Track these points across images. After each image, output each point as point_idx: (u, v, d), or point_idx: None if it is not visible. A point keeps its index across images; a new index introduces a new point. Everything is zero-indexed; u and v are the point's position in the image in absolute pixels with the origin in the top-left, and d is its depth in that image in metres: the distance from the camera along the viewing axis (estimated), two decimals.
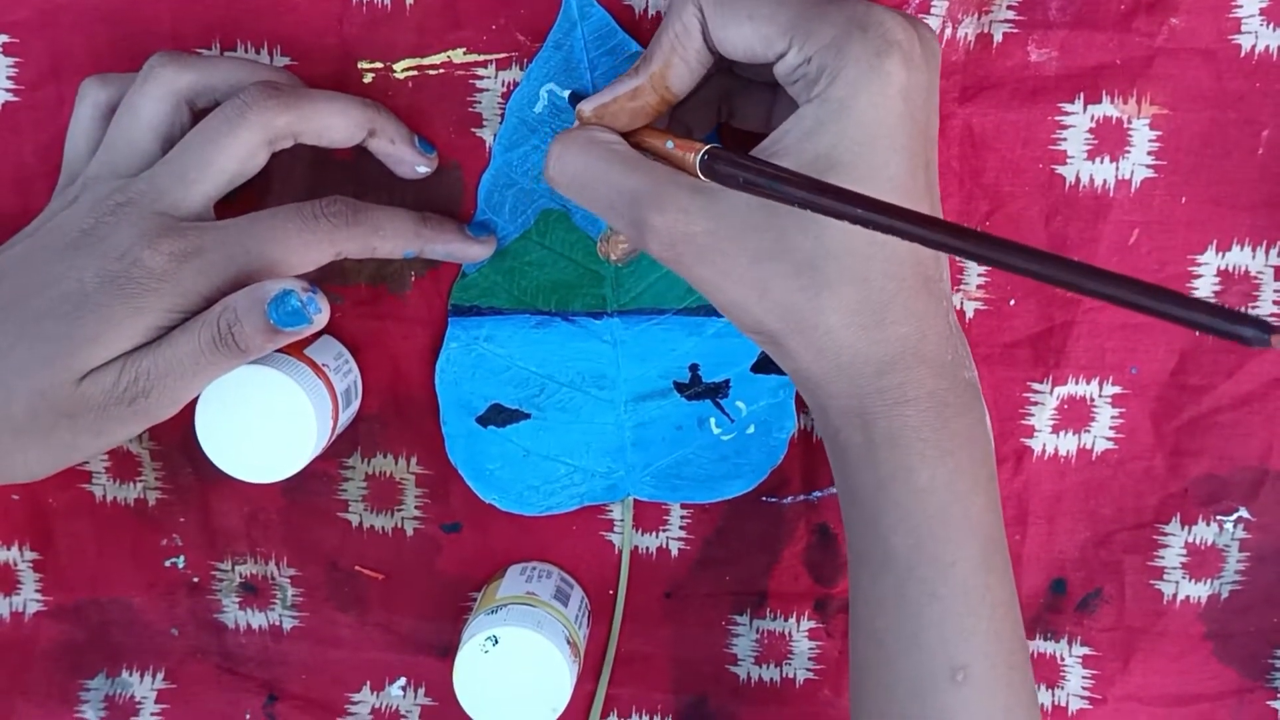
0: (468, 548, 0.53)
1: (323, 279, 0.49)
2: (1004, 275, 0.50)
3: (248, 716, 0.56)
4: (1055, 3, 0.47)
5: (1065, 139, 0.48)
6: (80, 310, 0.42)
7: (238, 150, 0.44)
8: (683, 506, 0.53)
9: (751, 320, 0.41)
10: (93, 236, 0.43)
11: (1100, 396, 0.50)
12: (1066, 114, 0.48)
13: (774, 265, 0.40)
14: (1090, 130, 0.48)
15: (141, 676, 0.55)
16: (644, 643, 0.54)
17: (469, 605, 0.54)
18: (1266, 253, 0.49)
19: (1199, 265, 0.49)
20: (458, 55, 0.48)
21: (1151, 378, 0.50)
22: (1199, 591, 0.52)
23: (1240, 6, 0.47)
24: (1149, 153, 0.48)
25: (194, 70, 0.45)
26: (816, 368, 0.41)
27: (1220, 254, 0.49)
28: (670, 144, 0.43)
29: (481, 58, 0.48)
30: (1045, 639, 0.53)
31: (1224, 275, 0.49)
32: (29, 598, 0.55)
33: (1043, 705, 0.54)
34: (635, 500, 0.52)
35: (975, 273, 0.50)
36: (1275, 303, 0.50)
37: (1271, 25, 0.47)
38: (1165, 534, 0.52)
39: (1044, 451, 0.51)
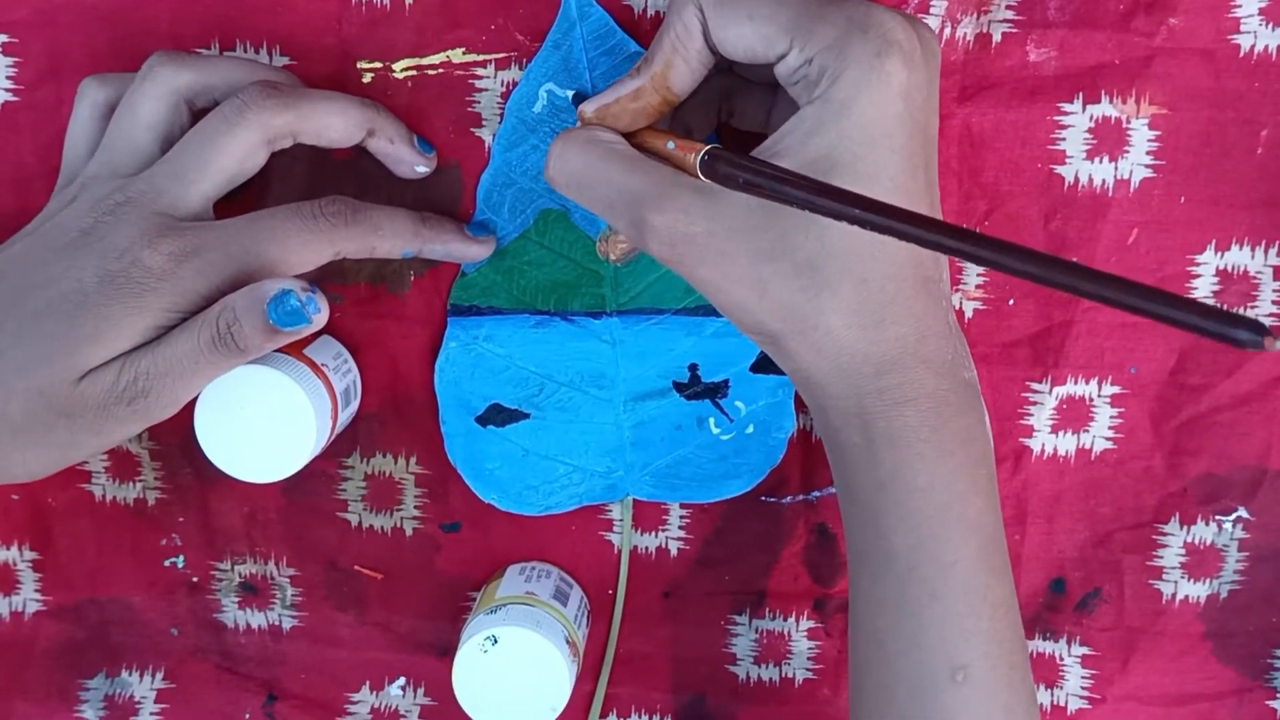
0: (467, 547, 0.53)
1: (322, 278, 0.50)
2: (1003, 275, 0.50)
3: (247, 716, 0.56)
4: (1054, 2, 0.47)
5: (1064, 139, 0.48)
6: (79, 310, 0.42)
7: (236, 150, 0.44)
8: (682, 506, 0.53)
9: (751, 321, 0.41)
10: (92, 236, 0.43)
11: (1099, 396, 0.51)
12: (1065, 114, 0.48)
13: (774, 266, 0.40)
14: (1089, 130, 0.48)
15: (141, 676, 0.55)
16: (643, 642, 0.54)
17: (468, 605, 0.54)
18: (1265, 252, 0.49)
19: (1198, 265, 0.49)
20: (457, 55, 0.48)
21: (1150, 377, 0.50)
22: (1198, 591, 0.52)
23: (1239, 6, 0.47)
24: (1148, 152, 0.48)
25: (193, 70, 0.45)
26: (816, 368, 0.41)
27: (1219, 254, 0.49)
28: (671, 144, 0.43)
29: (480, 57, 0.48)
30: (1044, 639, 0.53)
31: (1223, 275, 0.49)
32: (28, 597, 0.55)
33: (1042, 705, 0.54)
34: (634, 500, 0.53)
35: (974, 272, 0.50)
36: (1274, 303, 0.50)
37: (1270, 25, 0.47)
38: (1164, 534, 0.52)
39: (1043, 451, 0.51)
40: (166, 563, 0.54)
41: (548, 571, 0.52)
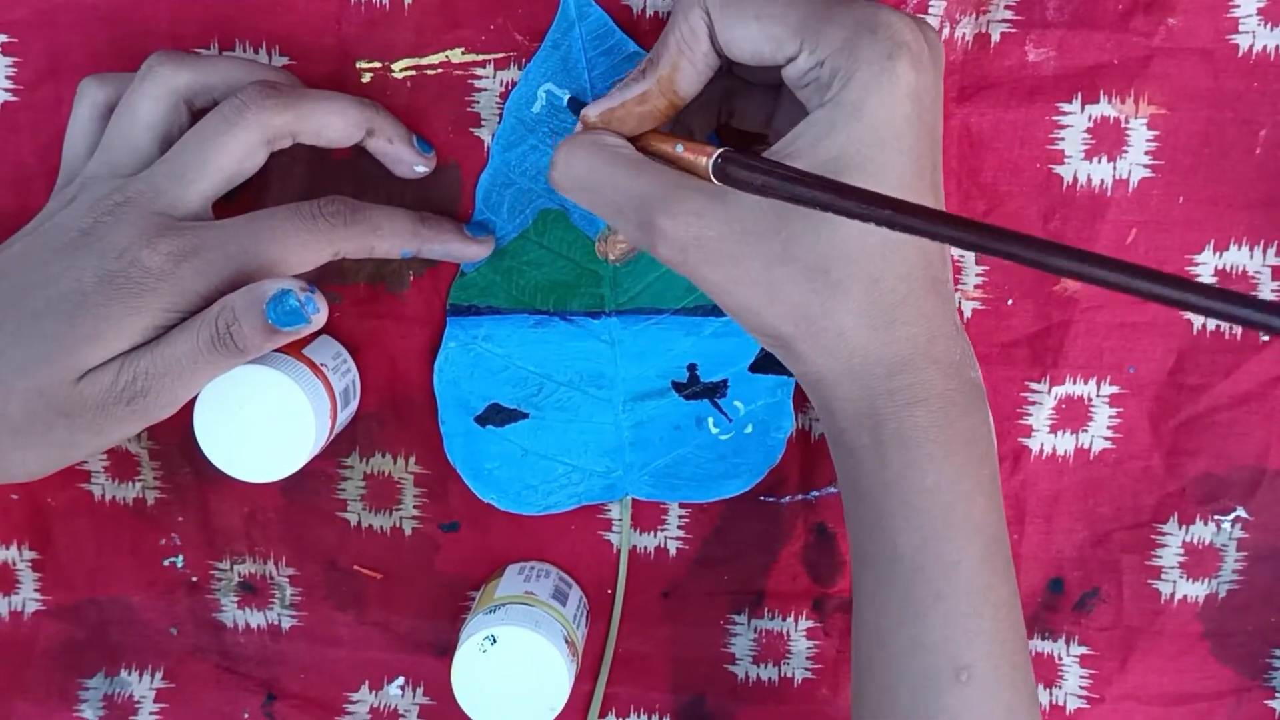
0: (466, 547, 0.53)
1: (321, 278, 0.50)
2: (1002, 275, 0.50)
3: (246, 715, 0.56)
4: (1053, 2, 0.47)
5: (1063, 138, 0.48)
6: (79, 309, 0.42)
7: (236, 150, 0.44)
8: (681, 506, 0.53)
9: (761, 323, 0.41)
10: (91, 236, 0.43)
11: (1098, 396, 0.51)
12: (1064, 114, 0.48)
13: (785, 269, 0.40)
14: (1088, 130, 0.48)
15: (140, 675, 0.56)
16: (642, 642, 0.54)
17: (467, 604, 0.54)
18: (1264, 252, 0.49)
19: (1196, 265, 0.49)
20: (456, 55, 0.48)
21: (1149, 377, 0.50)
22: (1197, 591, 0.52)
23: (1238, 6, 0.47)
24: (1146, 152, 0.48)
25: (192, 70, 0.45)
26: (828, 370, 0.41)
27: (1218, 253, 0.49)
28: (680, 148, 0.42)
29: (479, 57, 0.48)
30: (1043, 638, 0.53)
31: (1221, 275, 0.49)
32: (28, 597, 0.55)
33: (1041, 705, 0.54)
34: (633, 500, 0.53)
35: (973, 272, 0.50)
36: (1272, 301, 0.50)
37: (1269, 25, 0.47)
38: (1163, 533, 0.52)
39: (1042, 451, 0.51)
40: (166, 562, 0.54)
41: (547, 571, 0.52)
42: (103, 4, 0.48)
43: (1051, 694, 0.54)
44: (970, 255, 0.50)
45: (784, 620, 0.54)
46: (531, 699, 0.48)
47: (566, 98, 0.48)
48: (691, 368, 0.51)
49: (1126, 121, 0.48)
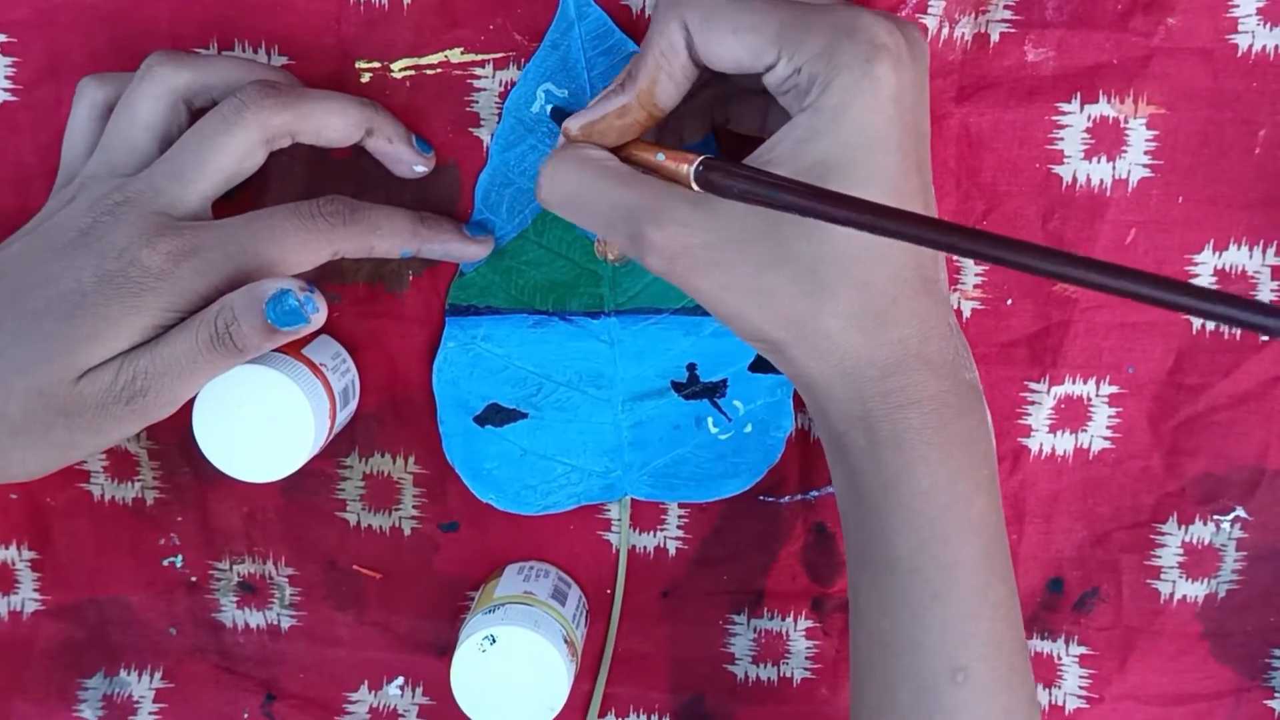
0: (465, 547, 0.53)
1: (320, 278, 0.50)
2: (1001, 275, 0.50)
3: (246, 715, 0.56)
4: (1052, 2, 0.47)
5: (1062, 138, 0.48)
6: (78, 309, 0.42)
7: (235, 149, 0.44)
8: (680, 506, 0.53)
9: (753, 329, 0.41)
10: (90, 236, 0.43)
11: (1097, 396, 0.51)
12: (1063, 113, 0.48)
13: (774, 274, 0.40)
14: (1087, 130, 0.48)
15: (140, 675, 0.56)
16: (641, 642, 0.54)
17: (466, 604, 0.54)
18: (1264, 252, 0.49)
19: (1196, 265, 0.49)
20: (455, 55, 0.48)
21: (1149, 377, 0.50)
22: (1196, 591, 0.52)
23: (1237, 6, 0.47)
24: (1146, 152, 0.48)
25: (191, 69, 0.45)
26: (819, 373, 0.41)
27: (1217, 253, 0.49)
28: (661, 156, 0.42)
29: (479, 57, 0.48)
30: (1042, 638, 0.53)
31: (1221, 275, 0.49)
32: (27, 597, 0.55)
33: (1040, 705, 0.54)
34: (633, 499, 0.53)
35: (972, 272, 0.50)
36: (1273, 303, 0.50)
37: (1269, 25, 0.47)
38: (1162, 533, 0.52)
39: (1041, 451, 0.51)
40: (165, 562, 0.54)
41: (546, 571, 0.52)
42: (102, 4, 0.48)
43: (1051, 694, 0.54)
44: None
45: (783, 620, 0.54)
46: (531, 699, 0.48)
47: (550, 108, 0.48)
48: (691, 367, 0.51)
49: (1126, 121, 0.48)
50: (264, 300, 0.42)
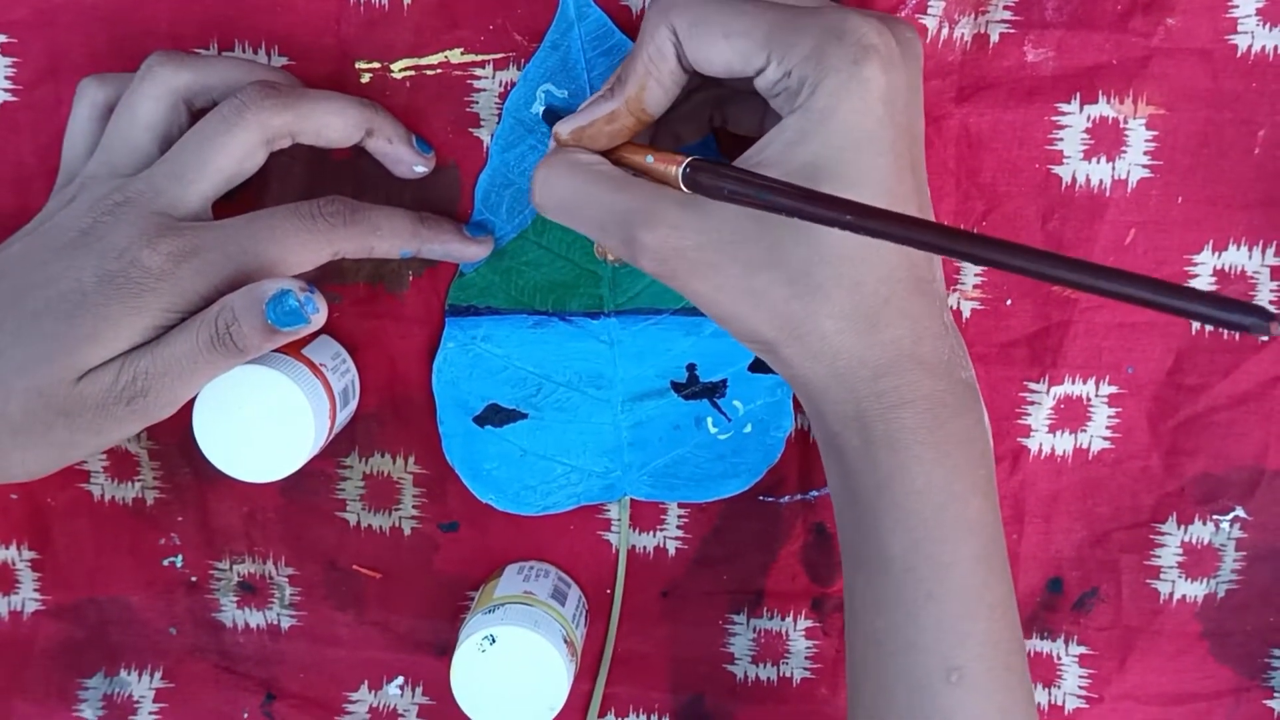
0: (465, 547, 0.53)
1: (320, 278, 0.50)
2: (1000, 275, 0.50)
3: (245, 715, 0.56)
4: (1051, 3, 0.47)
5: (1061, 139, 0.48)
6: (78, 309, 0.42)
7: (235, 150, 0.44)
8: (680, 506, 0.53)
9: (747, 330, 0.41)
10: (91, 236, 0.43)
11: (1097, 396, 0.51)
12: (1063, 114, 0.48)
13: (766, 275, 0.40)
14: (1086, 130, 0.48)
15: (140, 675, 0.56)
16: (641, 642, 0.54)
17: (466, 604, 0.54)
18: (1263, 252, 0.49)
19: (1195, 265, 0.49)
20: (455, 55, 0.48)
21: (1148, 377, 0.50)
22: (1195, 591, 0.52)
23: (1236, 6, 0.47)
24: (1145, 153, 0.48)
25: (191, 70, 0.45)
26: (813, 374, 0.41)
27: (1216, 254, 0.49)
28: (650, 158, 0.42)
29: (479, 58, 0.48)
30: (1042, 638, 0.53)
31: (1220, 275, 0.49)
32: (27, 597, 0.55)
33: (1039, 705, 0.54)
34: (632, 500, 0.53)
35: (972, 272, 0.50)
36: (1272, 302, 0.50)
37: (1268, 25, 0.47)
38: (1162, 533, 0.52)
39: (1040, 451, 0.51)
40: (165, 562, 0.54)
41: (546, 571, 0.53)
42: (102, 4, 0.48)
43: (1050, 694, 0.54)
44: None
45: (783, 620, 0.54)
46: (531, 699, 0.48)
47: (542, 109, 0.48)
48: (690, 368, 0.51)
49: (1125, 122, 0.48)
50: (264, 300, 0.42)
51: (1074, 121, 0.48)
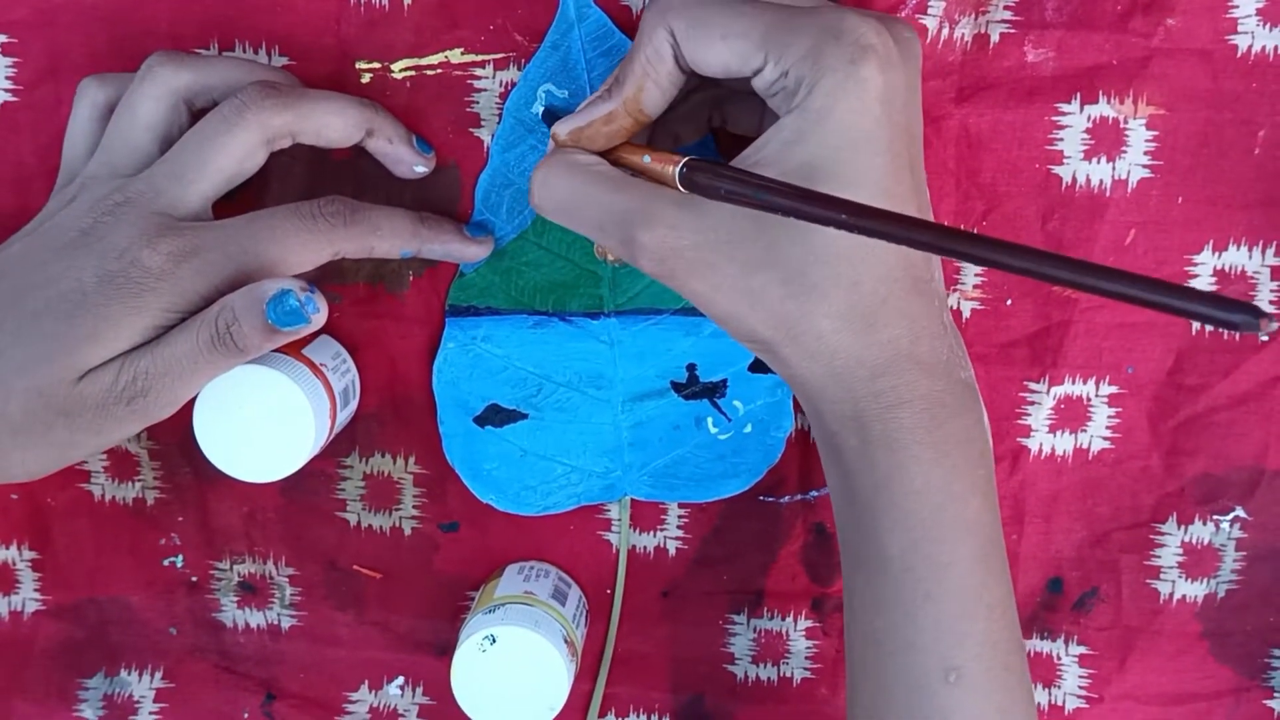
0: (465, 547, 0.53)
1: (321, 278, 0.50)
2: (1000, 275, 0.50)
3: (246, 715, 0.56)
4: (1052, 3, 0.47)
5: (1062, 139, 0.48)
6: (79, 309, 0.42)
7: (235, 150, 0.44)
8: (680, 506, 0.53)
9: (745, 330, 0.41)
10: (91, 236, 0.43)
11: (1097, 396, 0.51)
12: (1063, 114, 0.48)
13: (764, 275, 0.40)
14: (1087, 130, 0.48)
15: (140, 675, 0.56)
16: (641, 642, 0.54)
17: (467, 604, 0.54)
18: (1263, 252, 0.49)
19: (1195, 265, 0.49)
20: (455, 55, 0.48)
21: (1148, 377, 0.50)
22: (1195, 591, 0.52)
23: (1237, 7, 0.47)
24: (1145, 153, 0.48)
25: (192, 70, 0.45)
26: (810, 374, 0.41)
27: (1217, 254, 0.49)
28: (647, 158, 0.42)
29: (479, 58, 0.48)
30: (1042, 638, 0.53)
31: (1220, 275, 0.49)
32: (28, 597, 0.55)
33: (1039, 705, 0.54)
34: (632, 500, 0.53)
35: (972, 272, 0.50)
36: (1272, 302, 0.50)
37: (1268, 25, 0.47)
38: (1162, 533, 0.52)
39: (1040, 451, 0.51)
40: (165, 562, 0.54)
41: (546, 571, 0.53)
42: (103, 4, 0.48)
43: (1050, 694, 0.54)
44: None
45: (783, 620, 0.54)
46: (531, 699, 0.48)
47: (542, 110, 0.48)
48: (690, 368, 0.51)
49: (1125, 122, 0.48)
50: (265, 300, 0.42)
51: (1074, 122, 0.48)
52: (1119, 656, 0.53)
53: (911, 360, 0.41)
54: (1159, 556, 0.52)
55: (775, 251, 0.40)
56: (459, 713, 0.49)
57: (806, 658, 0.54)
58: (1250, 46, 0.47)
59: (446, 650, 0.53)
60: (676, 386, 0.51)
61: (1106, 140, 0.48)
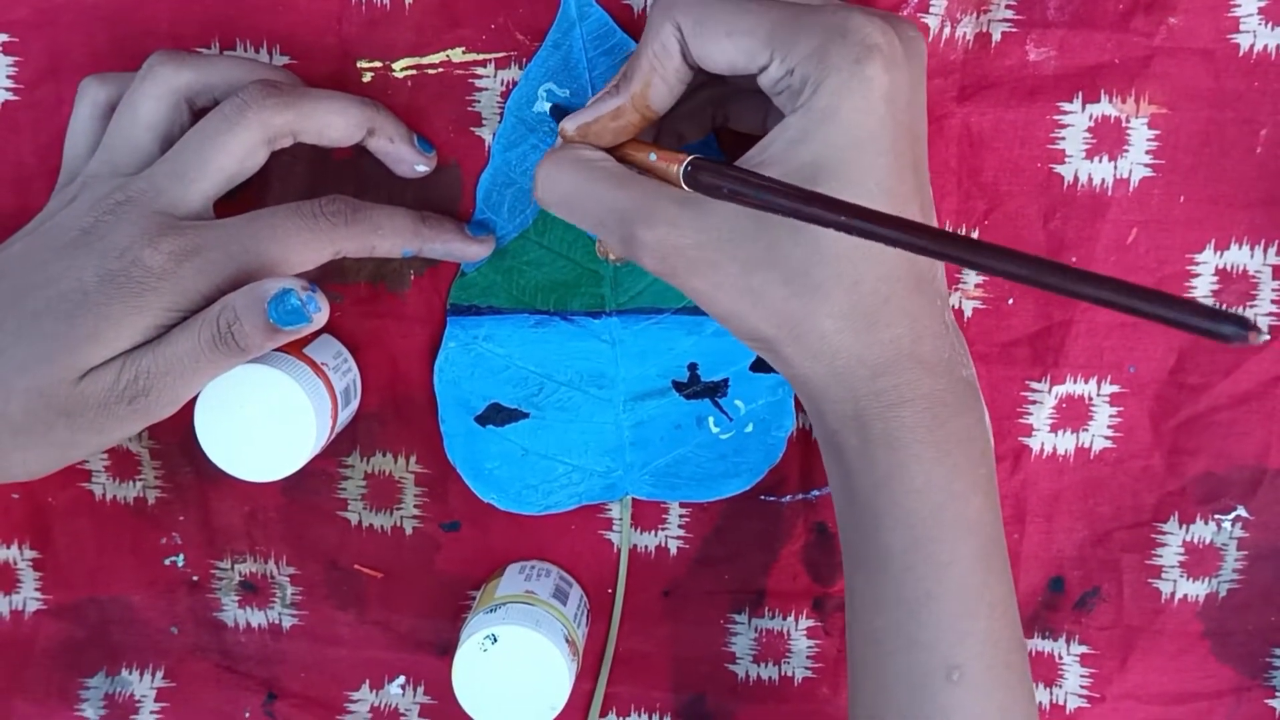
0: (466, 546, 0.53)
1: (322, 278, 0.50)
2: None
3: (247, 715, 0.56)
4: (1054, 2, 0.47)
5: (1063, 138, 0.48)
6: (80, 309, 0.42)
7: (237, 149, 0.44)
8: (681, 505, 0.53)
9: (746, 329, 0.41)
10: (92, 235, 0.43)
11: (1098, 395, 0.51)
12: (1065, 113, 0.48)
13: (765, 273, 0.40)
14: (1089, 129, 0.48)
15: (141, 675, 0.56)
16: (642, 641, 0.54)
17: (468, 604, 0.54)
18: (1265, 252, 0.49)
19: (1197, 264, 0.49)
20: (456, 54, 0.48)
21: (1150, 376, 0.50)
22: (1197, 590, 0.52)
23: (1239, 6, 0.47)
24: (1147, 152, 0.48)
25: (193, 69, 0.45)
26: (812, 373, 0.41)
27: (1218, 253, 0.49)
28: (653, 156, 0.42)
29: (480, 57, 0.48)
30: (1043, 638, 0.53)
31: (1222, 274, 0.49)
32: (29, 596, 0.55)
33: (1041, 704, 0.54)
34: (634, 499, 0.53)
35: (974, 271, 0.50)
36: (1274, 302, 0.50)
37: (1270, 24, 0.47)
38: (1163, 532, 0.52)
39: (1042, 450, 0.51)
40: (166, 561, 0.54)
41: (547, 570, 0.53)
42: (103, 4, 0.48)
43: (1052, 693, 0.54)
44: None
45: (784, 619, 0.54)
46: (532, 698, 0.48)
47: (549, 106, 0.48)
48: (692, 367, 0.51)
49: (1127, 121, 0.48)
50: (266, 300, 0.42)
51: (1076, 121, 0.48)
52: (1120, 656, 0.53)
53: (913, 359, 0.41)
54: (1160, 556, 0.52)
55: (777, 250, 0.40)
56: (460, 712, 0.49)
57: (808, 657, 0.54)
58: (1252, 45, 0.47)
59: (448, 650, 0.53)
60: (678, 386, 0.51)
61: (1108, 139, 0.48)
